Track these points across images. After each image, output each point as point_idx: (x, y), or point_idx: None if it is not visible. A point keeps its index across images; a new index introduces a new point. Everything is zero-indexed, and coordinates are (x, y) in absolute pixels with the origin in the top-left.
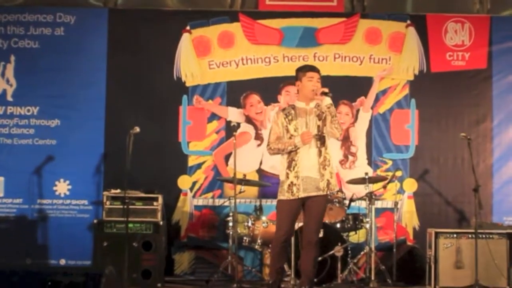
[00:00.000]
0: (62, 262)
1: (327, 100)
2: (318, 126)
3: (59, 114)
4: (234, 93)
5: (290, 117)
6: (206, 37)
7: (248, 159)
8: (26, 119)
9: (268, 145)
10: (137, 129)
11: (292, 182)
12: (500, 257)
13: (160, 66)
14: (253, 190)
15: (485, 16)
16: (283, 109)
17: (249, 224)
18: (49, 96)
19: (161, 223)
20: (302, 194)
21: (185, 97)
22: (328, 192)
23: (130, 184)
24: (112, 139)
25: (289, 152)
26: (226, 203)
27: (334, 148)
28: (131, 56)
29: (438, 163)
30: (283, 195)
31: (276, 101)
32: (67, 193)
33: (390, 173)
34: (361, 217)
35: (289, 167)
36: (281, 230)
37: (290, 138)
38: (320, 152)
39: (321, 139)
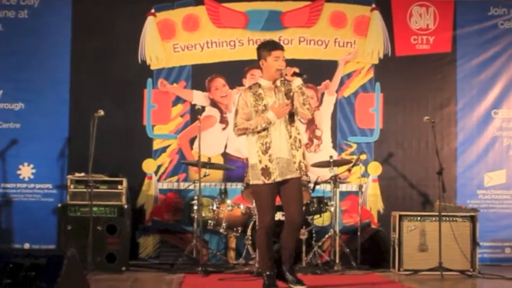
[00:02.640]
0: (26, 246)
1: (298, 81)
2: (287, 105)
3: (23, 97)
4: (199, 76)
5: (258, 97)
6: (170, 20)
7: (213, 142)
8: None
9: (235, 125)
10: (101, 112)
11: (266, 166)
12: (463, 240)
13: (124, 50)
14: (218, 174)
15: (449, 0)
16: (250, 88)
17: (214, 207)
18: (12, 80)
19: (125, 206)
20: (278, 178)
21: (149, 80)
22: (302, 174)
23: (95, 168)
24: (76, 123)
25: (259, 133)
26: (191, 187)
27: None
28: (96, 40)
29: (402, 147)
30: (258, 179)
31: (241, 84)
32: (31, 176)
33: (355, 157)
34: (325, 200)
35: (260, 150)
36: (266, 216)
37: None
38: (290, 133)
39: (290, 117)
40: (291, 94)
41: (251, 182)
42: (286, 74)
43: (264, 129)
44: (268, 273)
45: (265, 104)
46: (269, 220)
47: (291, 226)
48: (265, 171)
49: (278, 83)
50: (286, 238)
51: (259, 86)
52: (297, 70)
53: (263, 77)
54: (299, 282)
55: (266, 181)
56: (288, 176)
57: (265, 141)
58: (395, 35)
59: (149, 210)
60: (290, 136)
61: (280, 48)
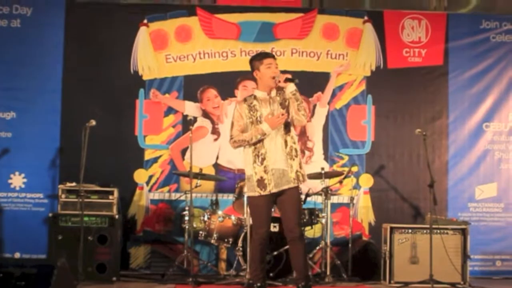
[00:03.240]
0: (17, 255)
1: (292, 87)
2: (283, 115)
3: (14, 106)
4: (191, 87)
5: (253, 108)
6: (163, 31)
7: (205, 153)
8: None
9: (231, 138)
10: (93, 122)
11: (262, 177)
12: (454, 253)
13: (117, 60)
14: (209, 185)
15: (442, 13)
16: (245, 100)
17: (205, 218)
18: (4, 89)
19: (116, 216)
20: (274, 189)
21: (142, 90)
22: (299, 184)
23: (86, 178)
24: (68, 132)
25: (254, 145)
26: (182, 197)
27: None
28: (88, 49)
29: (394, 159)
30: (253, 191)
31: (233, 95)
32: (22, 186)
33: (346, 169)
34: (317, 212)
35: (255, 161)
36: (262, 228)
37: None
38: (286, 142)
39: (286, 127)
40: (286, 103)
41: (247, 194)
42: (279, 81)
43: (259, 141)
44: (259, 284)
45: (260, 115)
46: (263, 232)
47: (290, 238)
48: (261, 183)
49: (273, 93)
50: (291, 253)
51: (254, 97)
52: (289, 76)
53: (258, 88)
54: None
55: (262, 193)
56: (285, 187)
57: (260, 152)
58: (387, 48)
59: (140, 221)
60: (286, 146)
61: (271, 56)
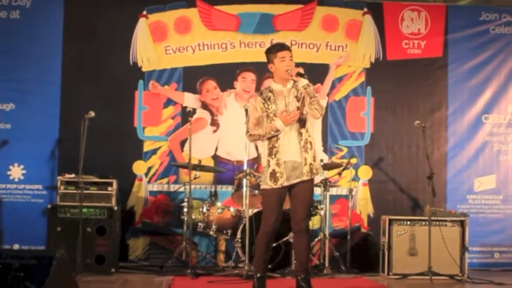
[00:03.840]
0: (16, 247)
1: (303, 81)
2: (298, 108)
3: (14, 98)
4: (190, 78)
5: (268, 101)
6: (162, 22)
7: (204, 145)
8: None
9: (247, 132)
10: (92, 114)
11: (274, 170)
12: (453, 245)
13: (116, 51)
14: (208, 176)
15: (441, 5)
16: (261, 93)
17: (204, 210)
18: (4, 80)
19: (115, 208)
20: (285, 183)
21: (141, 82)
22: (312, 176)
23: (85, 169)
24: (67, 124)
25: (270, 138)
26: (181, 189)
27: None
28: (87, 41)
29: (393, 151)
30: (266, 183)
31: (232, 87)
32: (21, 177)
33: (345, 160)
34: (315, 204)
35: (270, 154)
36: (270, 220)
37: (270, 123)
38: (301, 135)
39: (301, 121)
40: (302, 96)
41: (261, 187)
42: (291, 75)
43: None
44: (259, 275)
45: (275, 109)
46: (272, 223)
47: (296, 230)
48: (273, 176)
49: (289, 85)
50: (295, 245)
51: (270, 90)
52: (301, 71)
53: (274, 81)
54: None
55: (274, 186)
56: (297, 180)
57: (274, 144)
58: (387, 39)
59: (139, 212)
60: (301, 139)
61: (286, 48)
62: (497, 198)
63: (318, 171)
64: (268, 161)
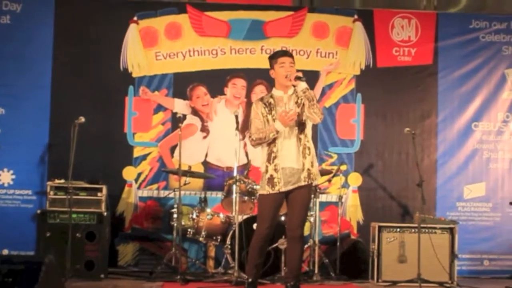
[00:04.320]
0: (5, 252)
1: (303, 85)
2: (298, 113)
3: (3, 103)
4: (181, 84)
5: (269, 107)
6: (153, 28)
7: (194, 151)
8: None
9: (250, 136)
10: (82, 119)
11: (272, 176)
12: (442, 252)
13: (106, 57)
14: (198, 182)
15: (431, 12)
16: (261, 99)
17: (194, 216)
18: None
19: (105, 213)
20: (282, 188)
21: (131, 88)
22: (310, 182)
23: (75, 175)
24: (57, 129)
25: (269, 143)
26: (171, 195)
27: None
28: (78, 46)
29: (383, 158)
30: (264, 189)
31: (222, 93)
32: (11, 182)
33: (335, 167)
34: None
35: (268, 159)
36: (264, 224)
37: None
38: (299, 140)
39: (300, 126)
40: (302, 101)
41: (259, 192)
42: (290, 80)
43: (274, 139)
44: (250, 280)
45: (275, 114)
46: (265, 228)
47: (290, 237)
48: (270, 181)
49: (290, 92)
50: (287, 251)
51: (271, 96)
52: (300, 75)
53: (276, 87)
54: None
55: (271, 191)
56: (294, 186)
57: (272, 150)
58: (377, 47)
59: (128, 218)
60: (300, 145)
61: (287, 55)
62: (486, 206)
63: (316, 177)
64: (267, 166)
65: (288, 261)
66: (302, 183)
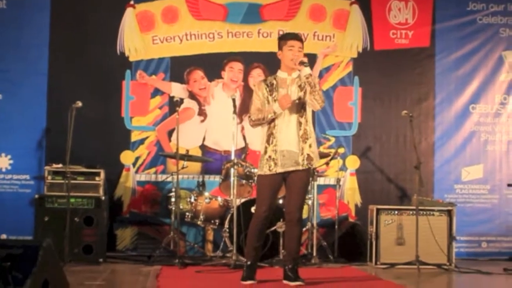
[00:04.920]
0: (3, 237)
1: (306, 70)
2: (300, 97)
3: (0, 88)
4: (178, 68)
5: (271, 88)
6: (150, 12)
7: (191, 134)
8: None
9: (249, 116)
10: (79, 104)
11: (270, 157)
12: (440, 234)
13: (103, 41)
14: (196, 166)
15: None
16: (265, 80)
17: (192, 199)
18: None
19: (103, 198)
20: (280, 169)
21: (128, 72)
22: (309, 167)
23: (72, 159)
24: (54, 114)
25: (269, 124)
26: (169, 179)
27: None
28: (74, 31)
29: (380, 141)
30: (261, 170)
31: (219, 77)
32: (9, 167)
33: (333, 150)
34: None
35: (267, 140)
36: (262, 206)
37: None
38: (300, 124)
39: (300, 109)
40: (304, 85)
41: (257, 173)
42: (295, 64)
43: (273, 121)
44: (249, 263)
45: (276, 96)
46: (263, 210)
47: (288, 220)
48: (268, 162)
49: (294, 75)
50: (286, 234)
51: (275, 77)
52: (304, 60)
53: (281, 69)
54: (297, 278)
55: (268, 172)
56: (292, 168)
57: (272, 131)
58: (374, 29)
59: (126, 202)
60: (300, 128)
61: (297, 38)
62: (484, 188)
63: (313, 162)
64: (266, 147)
65: (287, 244)
66: (300, 167)
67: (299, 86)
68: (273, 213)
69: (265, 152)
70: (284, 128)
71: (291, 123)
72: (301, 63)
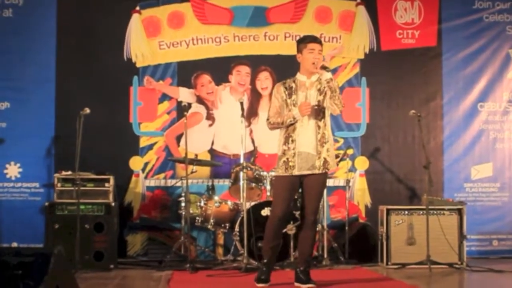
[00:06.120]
0: (14, 245)
1: (327, 75)
2: (319, 101)
3: (9, 96)
4: (185, 73)
5: (290, 91)
6: (156, 17)
7: (200, 139)
8: None
9: (267, 119)
10: (87, 110)
11: (287, 159)
12: (451, 233)
13: (110, 47)
14: (205, 170)
15: None
16: (284, 82)
17: (202, 204)
18: None
19: (113, 204)
20: (296, 172)
21: (135, 78)
22: (325, 171)
23: (81, 166)
24: (63, 121)
25: (287, 127)
26: (178, 184)
27: None
28: (81, 38)
29: (389, 141)
30: (278, 171)
31: (227, 81)
32: (18, 176)
33: (342, 151)
34: None
35: (286, 142)
36: (278, 207)
37: (289, 111)
38: (318, 128)
39: (319, 114)
40: (325, 90)
41: (274, 174)
42: (317, 68)
43: (291, 124)
44: (265, 261)
45: (295, 99)
46: (279, 211)
47: (303, 223)
48: (286, 164)
49: (313, 78)
50: (300, 237)
51: (294, 80)
52: (326, 64)
53: (300, 72)
54: (309, 281)
55: (284, 174)
56: (308, 172)
57: (290, 134)
58: (381, 30)
59: (136, 208)
60: (318, 132)
61: (317, 41)
62: (494, 186)
63: (330, 166)
64: (284, 149)
65: (300, 247)
66: (317, 171)
67: (319, 90)
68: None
69: (283, 153)
70: (302, 131)
71: (309, 127)
72: (323, 67)
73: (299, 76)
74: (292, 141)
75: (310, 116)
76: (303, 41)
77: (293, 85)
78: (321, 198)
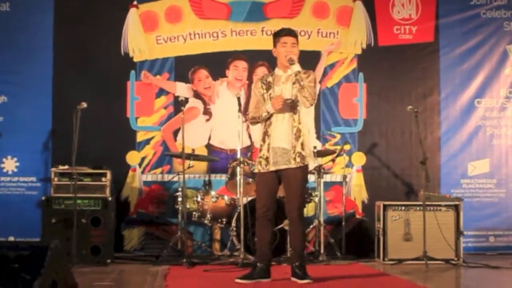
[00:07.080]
0: (11, 239)
1: (294, 68)
2: (291, 98)
3: (5, 91)
4: (182, 68)
5: (267, 85)
6: (153, 12)
7: (197, 134)
8: None
9: (247, 114)
10: (84, 105)
11: (264, 155)
12: (447, 229)
13: (107, 42)
14: (202, 165)
15: None
16: (262, 77)
17: (198, 199)
18: None
19: (110, 199)
20: (272, 167)
21: (133, 72)
22: (301, 165)
23: (79, 160)
24: (60, 116)
25: (265, 122)
26: (175, 179)
27: None
28: (78, 32)
29: (386, 137)
30: (256, 167)
31: (224, 75)
32: (15, 170)
33: (339, 147)
34: (310, 191)
35: (263, 139)
36: (259, 203)
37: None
38: (292, 122)
39: (294, 108)
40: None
41: (255, 170)
42: (288, 60)
43: (268, 119)
44: (260, 265)
45: (271, 93)
46: (259, 207)
47: (289, 219)
48: (262, 160)
49: (289, 72)
50: (290, 233)
51: (272, 75)
52: (293, 58)
53: (277, 66)
54: (305, 276)
55: (262, 170)
56: (284, 167)
57: (267, 129)
58: (378, 25)
59: (133, 202)
60: (294, 126)
61: (291, 34)
62: (491, 182)
63: (308, 160)
64: (261, 145)
65: (291, 242)
66: (293, 165)
67: (293, 83)
68: (279, 212)
69: (260, 150)
70: (278, 125)
71: (284, 121)
72: (289, 61)
73: (277, 71)
74: (268, 136)
75: (285, 110)
76: (276, 35)
77: (270, 79)
78: (303, 192)
